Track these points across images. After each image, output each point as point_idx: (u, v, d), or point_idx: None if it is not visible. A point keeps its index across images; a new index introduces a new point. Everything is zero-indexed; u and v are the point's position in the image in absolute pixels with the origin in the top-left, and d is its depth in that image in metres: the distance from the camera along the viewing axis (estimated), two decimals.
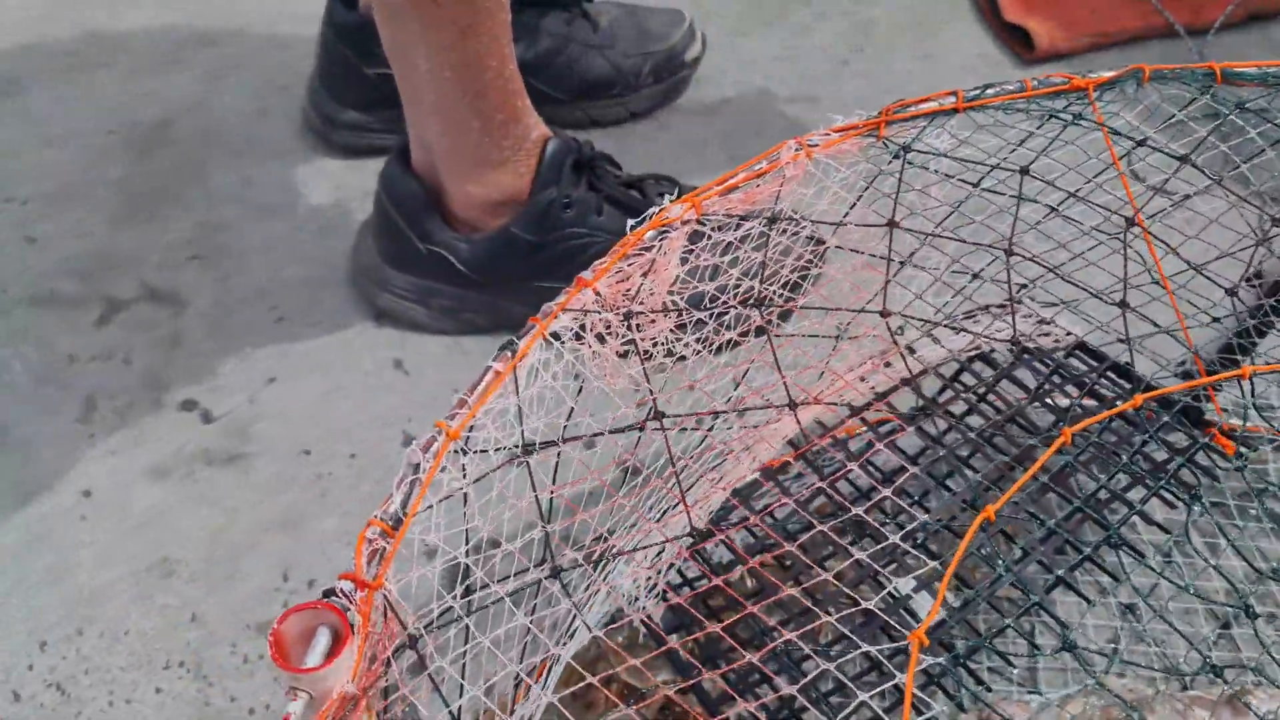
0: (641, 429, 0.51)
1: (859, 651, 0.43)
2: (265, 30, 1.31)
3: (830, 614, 0.48)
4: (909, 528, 0.59)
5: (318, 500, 0.86)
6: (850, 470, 0.62)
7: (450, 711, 0.42)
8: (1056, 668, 0.75)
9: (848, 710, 0.41)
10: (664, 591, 0.64)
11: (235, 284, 1.02)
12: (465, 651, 0.46)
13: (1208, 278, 0.55)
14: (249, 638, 0.77)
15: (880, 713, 0.39)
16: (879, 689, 0.40)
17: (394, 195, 0.91)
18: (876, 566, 0.54)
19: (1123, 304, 0.55)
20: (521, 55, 1.09)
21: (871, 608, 0.46)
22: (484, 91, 0.82)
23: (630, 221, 0.55)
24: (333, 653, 0.40)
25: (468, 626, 0.47)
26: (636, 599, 0.66)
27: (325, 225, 1.07)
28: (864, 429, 0.69)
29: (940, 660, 0.55)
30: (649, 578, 0.66)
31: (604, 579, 0.61)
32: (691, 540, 0.58)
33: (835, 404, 0.62)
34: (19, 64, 1.27)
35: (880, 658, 0.44)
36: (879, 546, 0.57)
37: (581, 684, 0.52)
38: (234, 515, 0.85)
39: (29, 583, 0.80)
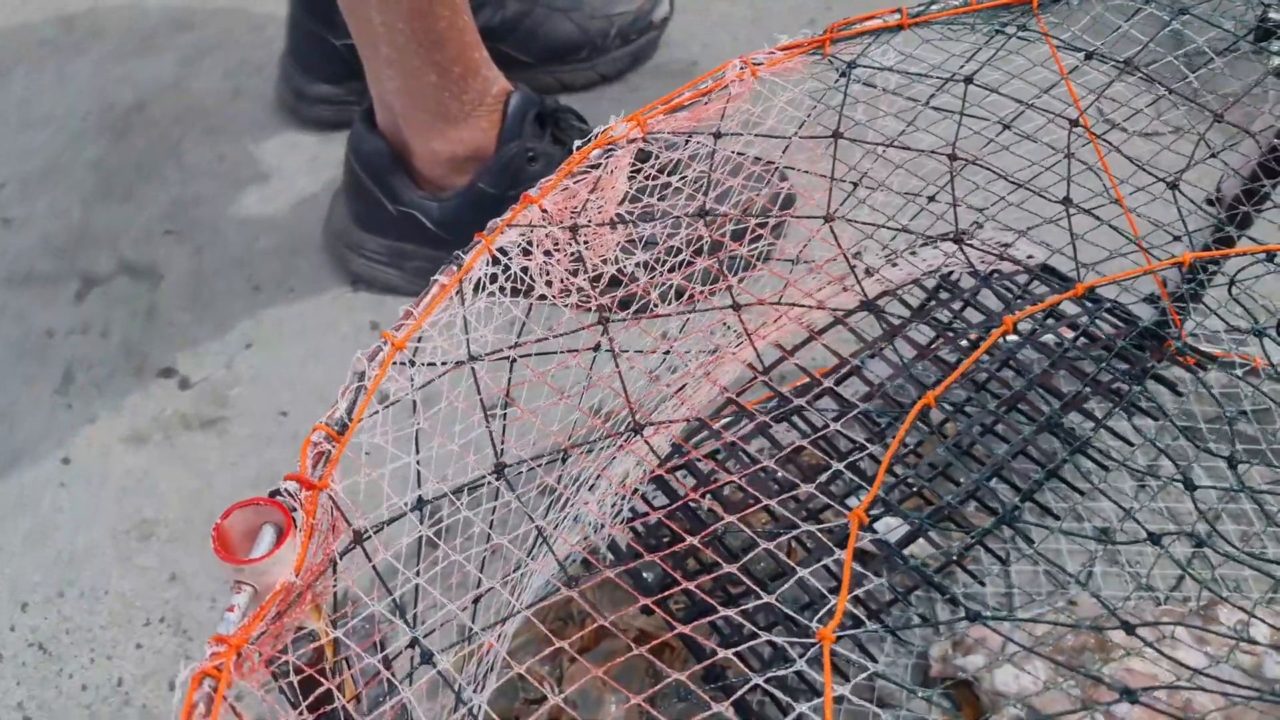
0: (596, 348, 0.51)
1: (794, 533, 0.43)
2: (240, 13, 1.31)
3: (770, 513, 0.48)
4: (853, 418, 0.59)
5: (294, 458, 0.86)
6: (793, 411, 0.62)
7: (405, 620, 0.43)
8: (1033, 588, 0.75)
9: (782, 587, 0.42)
10: (629, 517, 0.65)
11: (210, 256, 1.02)
12: (418, 559, 0.46)
13: (1159, 178, 0.55)
14: (227, 593, 0.78)
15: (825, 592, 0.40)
16: (818, 564, 0.40)
17: (361, 155, 0.91)
18: (819, 494, 0.55)
19: (1065, 200, 0.55)
20: (488, 20, 1.09)
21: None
22: (439, 42, 0.83)
23: (576, 141, 0.55)
24: (276, 547, 0.41)
25: (421, 536, 0.48)
26: (601, 526, 0.66)
27: (299, 197, 1.08)
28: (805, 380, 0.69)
29: (876, 539, 0.55)
30: (614, 503, 0.66)
31: (568, 507, 0.61)
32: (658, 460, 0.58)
33: (782, 305, 0.62)
34: None
35: (821, 538, 0.45)
36: (824, 475, 0.57)
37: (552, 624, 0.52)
38: (211, 477, 0.85)
39: (10, 548, 0.81)
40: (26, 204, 1.09)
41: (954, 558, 0.66)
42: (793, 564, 0.43)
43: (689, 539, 0.48)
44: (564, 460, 0.55)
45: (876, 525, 0.66)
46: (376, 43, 0.83)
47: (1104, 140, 0.55)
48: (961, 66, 0.63)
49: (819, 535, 0.43)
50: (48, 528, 0.82)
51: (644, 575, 0.68)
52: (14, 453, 0.87)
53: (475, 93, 0.87)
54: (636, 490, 0.65)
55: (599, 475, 0.66)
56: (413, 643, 0.41)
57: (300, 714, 0.42)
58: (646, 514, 0.68)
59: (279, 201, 1.08)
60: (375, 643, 0.44)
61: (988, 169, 0.58)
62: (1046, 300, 0.52)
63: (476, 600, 0.53)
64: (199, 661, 0.38)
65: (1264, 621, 0.66)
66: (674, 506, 0.59)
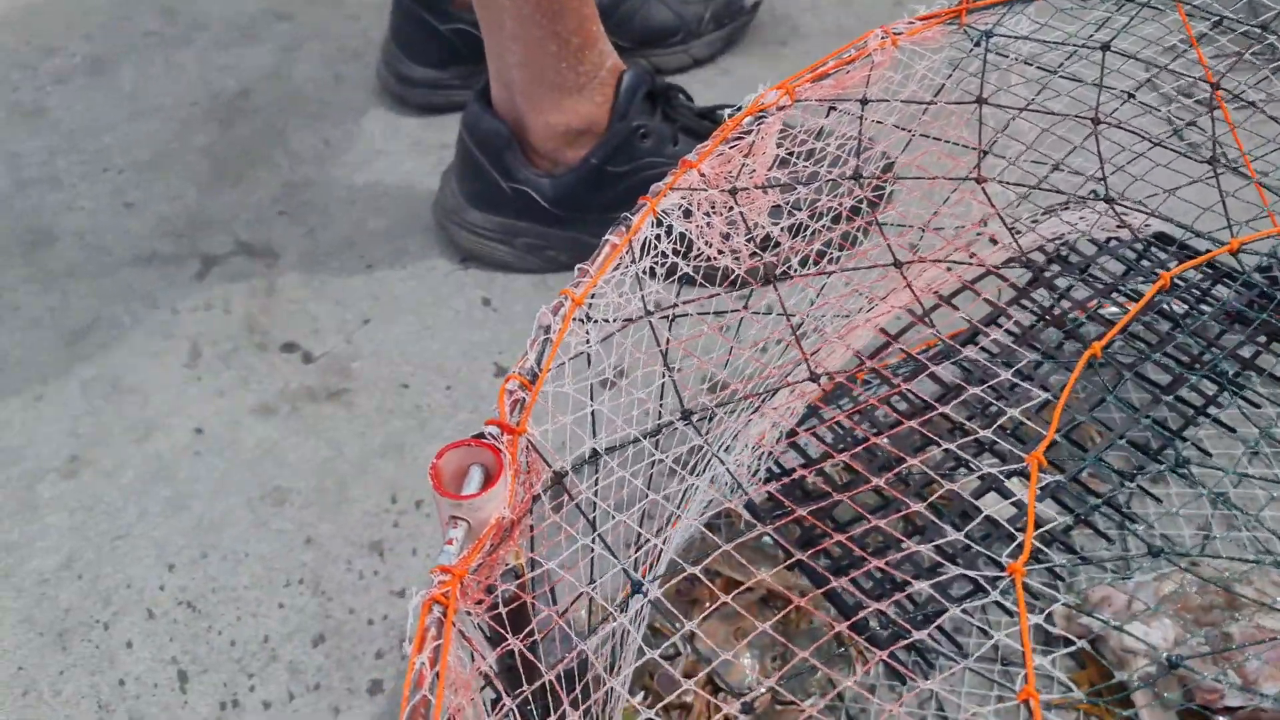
0: (754, 288, 0.53)
1: (976, 474, 0.45)
2: (334, 3, 1.35)
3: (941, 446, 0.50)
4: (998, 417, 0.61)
5: (418, 429, 0.89)
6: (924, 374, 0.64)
7: (599, 536, 0.45)
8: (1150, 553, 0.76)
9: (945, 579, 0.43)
10: (767, 474, 0.67)
11: (323, 237, 1.06)
12: (596, 491, 0.48)
13: None
14: (362, 555, 0.81)
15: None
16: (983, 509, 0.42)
17: (477, 134, 0.94)
18: (966, 456, 0.56)
19: (1212, 160, 0.56)
20: None
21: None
22: (561, 12, 0.85)
23: (727, 109, 0.58)
24: (486, 486, 0.43)
25: (599, 472, 0.50)
26: (738, 487, 0.68)
27: (405, 179, 1.11)
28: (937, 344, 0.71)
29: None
30: (750, 465, 0.68)
31: (720, 449, 0.64)
32: (817, 389, 0.60)
33: (944, 262, 0.63)
34: (104, 44, 1.32)
35: (999, 477, 0.46)
36: (967, 438, 0.59)
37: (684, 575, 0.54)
38: (339, 446, 0.88)
39: (152, 514, 0.84)
40: (143, 189, 1.13)
41: (1080, 518, 0.67)
42: (970, 503, 0.45)
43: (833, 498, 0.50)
44: (727, 412, 0.57)
45: (1011, 484, 0.68)
46: (502, 18, 0.86)
47: (1242, 101, 0.57)
48: (1094, 34, 0.64)
49: (996, 475, 0.45)
50: (186, 495, 0.86)
51: (780, 534, 0.71)
52: (149, 424, 0.91)
53: (591, 65, 0.90)
54: (771, 452, 0.68)
55: (734, 439, 0.69)
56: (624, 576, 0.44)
57: (506, 645, 0.44)
58: (786, 472, 0.70)
59: (385, 183, 1.11)
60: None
61: (1130, 130, 0.59)
62: (1203, 256, 0.54)
63: (642, 548, 0.56)
64: (426, 589, 0.41)
65: None
66: (819, 462, 0.61)
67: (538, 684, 0.44)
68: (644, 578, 0.62)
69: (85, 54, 1.31)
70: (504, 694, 0.44)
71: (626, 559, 0.55)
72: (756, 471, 0.68)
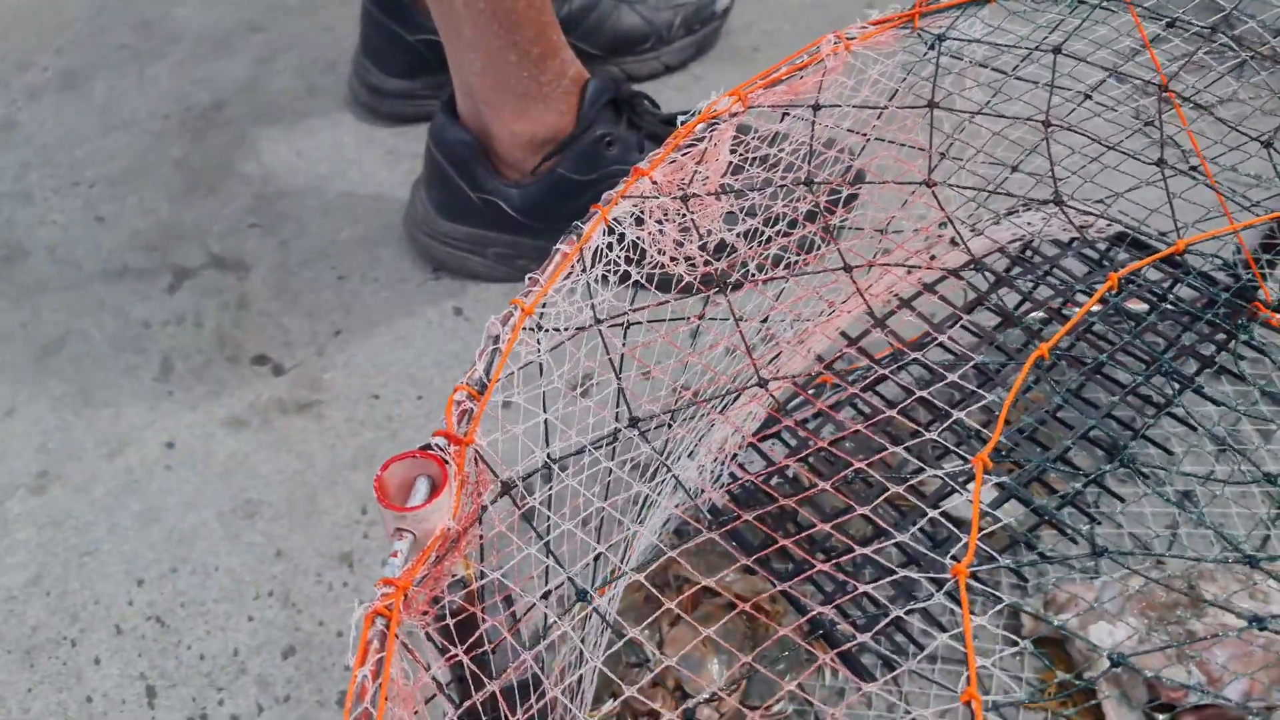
0: (708, 294, 0.53)
1: (919, 476, 0.45)
2: (310, 14, 1.35)
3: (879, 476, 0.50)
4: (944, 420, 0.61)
5: (389, 439, 0.89)
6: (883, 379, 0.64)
7: (547, 546, 0.45)
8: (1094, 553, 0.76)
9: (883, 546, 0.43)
10: (729, 479, 0.67)
11: (295, 247, 1.06)
12: (549, 501, 0.48)
13: (1243, 133, 0.56)
14: (332, 567, 0.81)
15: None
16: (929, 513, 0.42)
17: (443, 145, 0.94)
18: (921, 462, 0.57)
19: (1160, 161, 0.57)
20: (555, 12, 1.12)
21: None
22: (518, 22, 0.85)
23: (680, 116, 0.58)
24: (432, 498, 0.43)
25: (552, 481, 0.50)
26: (701, 492, 0.68)
27: (377, 189, 1.11)
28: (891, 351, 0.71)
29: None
30: (712, 469, 0.68)
31: (673, 469, 0.64)
32: (777, 394, 0.61)
33: (897, 265, 0.63)
34: (77, 57, 1.32)
35: (948, 479, 0.46)
36: (918, 440, 0.59)
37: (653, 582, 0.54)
38: (310, 459, 0.88)
39: (122, 528, 0.84)
40: (116, 202, 1.12)
41: (1067, 503, 0.67)
42: (887, 526, 0.45)
43: (781, 501, 0.50)
44: (685, 418, 0.57)
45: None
46: (459, 26, 0.86)
47: (1192, 103, 0.57)
48: (1046, 37, 0.64)
49: (946, 479, 0.45)
50: (157, 508, 0.86)
51: (743, 539, 0.71)
52: (120, 439, 0.91)
53: (553, 73, 0.90)
54: (734, 457, 0.68)
55: (697, 443, 0.69)
56: (567, 582, 0.44)
57: (452, 656, 0.44)
58: (744, 479, 0.70)
59: (358, 194, 1.11)
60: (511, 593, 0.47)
61: (1080, 134, 0.59)
62: (1148, 257, 0.54)
63: (597, 558, 0.56)
64: (370, 602, 0.41)
65: None
66: (780, 466, 0.62)
67: (484, 694, 0.44)
68: (608, 584, 0.62)
69: (57, 68, 1.31)
70: (451, 706, 0.44)
71: (582, 567, 0.55)
72: (719, 478, 0.68)
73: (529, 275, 0.51)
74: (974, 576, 0.41)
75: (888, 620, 0.43)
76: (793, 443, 0.73)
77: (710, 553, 0.75)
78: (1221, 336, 0.70)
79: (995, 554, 0.41)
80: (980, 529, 0.42)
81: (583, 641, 0.58)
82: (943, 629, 0.64)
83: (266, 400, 0.93)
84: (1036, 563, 0.65)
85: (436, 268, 1.01)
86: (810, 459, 0.69)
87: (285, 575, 0.81)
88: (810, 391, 0.72)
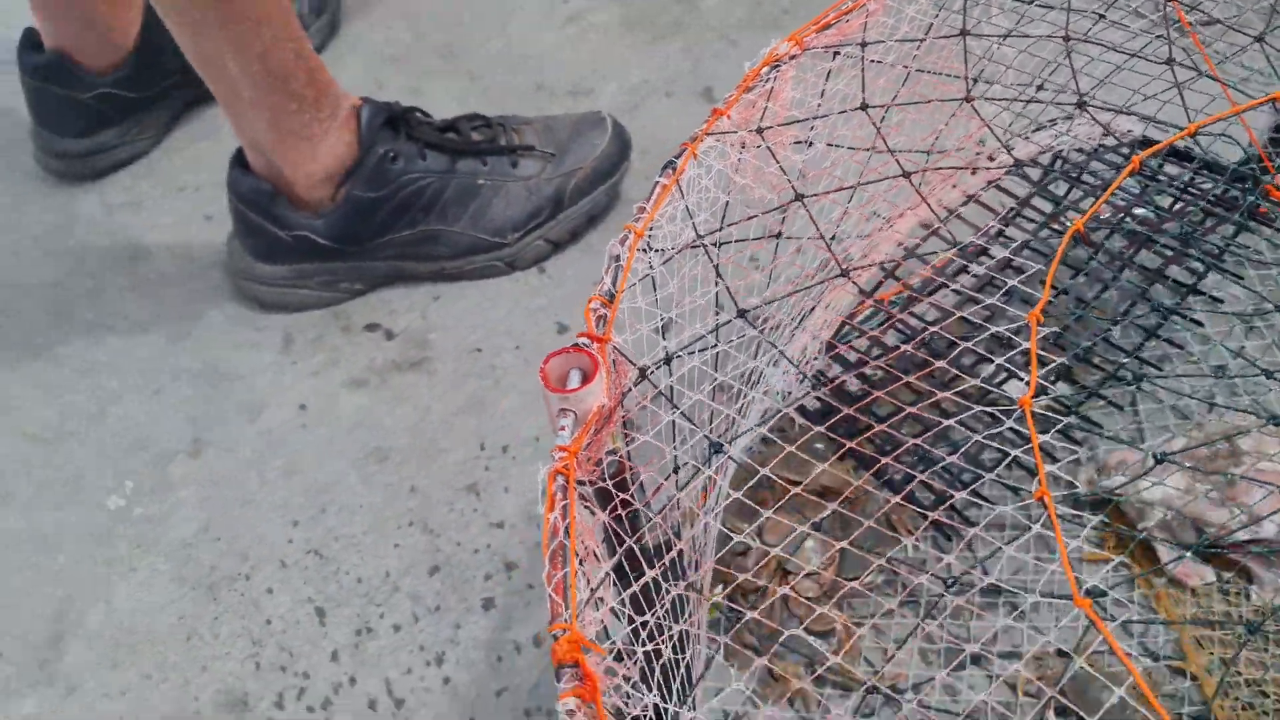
0: (786, 206, 0.63)
1: (981, 337, 0.55)
2: None
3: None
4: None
5: (494, 386, 1.00)
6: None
7: (680, 413, 0.55)
8: (1160, 424, 0.85)
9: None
10: (813, 382, 0.77)
11: None
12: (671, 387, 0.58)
13: (1239, 31, 0.65)
14: (461, 497, 0.92)
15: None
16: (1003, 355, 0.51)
17: (245, 197, 1.03)
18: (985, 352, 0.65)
19: (1169, 60, 0.65)
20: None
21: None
22: (291, 72, 0.94)
23: (746, 64, 0.67)
24: (584, 384, 0.53)
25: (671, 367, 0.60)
26: (789, 393, 0.78)
27: None
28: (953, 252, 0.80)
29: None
30: (798, 372, 0.78)
31: (769, 363, 0.73)
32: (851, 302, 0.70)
33: (948, 168, 0.72)
34: None
35: (1007, 333, 0.55)
36: (983, 334, 0.68)
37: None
38: (427, 408, 0.99)
39: (271, 481, 0.95)
40: (218, 203, 1.23)
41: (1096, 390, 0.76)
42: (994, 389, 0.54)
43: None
44: (775, 323, 0.67)
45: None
46: (239, 90, 0.94)
47: (1193, 7, 0.65)
48: None
49: (1005, 365, 0.54)
50: (298, 462, 0.97)
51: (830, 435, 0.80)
52: (257, 404, 1.02)
53: (329, 109, 0.99)
54: (814, 361, 0.77)
55: (782, 350, 0.78)
56: (708, 442, 0.54)
57: (613, 508, 0.54)
58: (830, 380, 0.80)
59: None
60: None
61: (1098, 44, 0.68)
62: (1166, 140, 0.63)
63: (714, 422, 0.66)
64: (550, 464, 0.51)
65: None
66: (858, 366, 0.71)
67: (636, 538, 0.54)
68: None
69: None
70: (615, 548, 0.54)
71: (709, 429, 0.65)
72: (803, 381, 0.78)
73: (636, 205, 0.61)
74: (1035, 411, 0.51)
75: (957, 454, 0.53)
76: (863, 347, 0.82)
77: (802, 452, 0.85)
78: (1239, 220, 0.78)
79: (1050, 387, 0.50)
80: (1040, 371, 0.51)
81: (706, 526, 0.68)
82: (1015, 491, 0.73)
83: (381, 362, 1.03)
84: (1092, 394, 0.73)
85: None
86: (881, 362, 0.78)
87: (420, 507, 0.91)
88: (880, 300, 0.81)
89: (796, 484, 0.84)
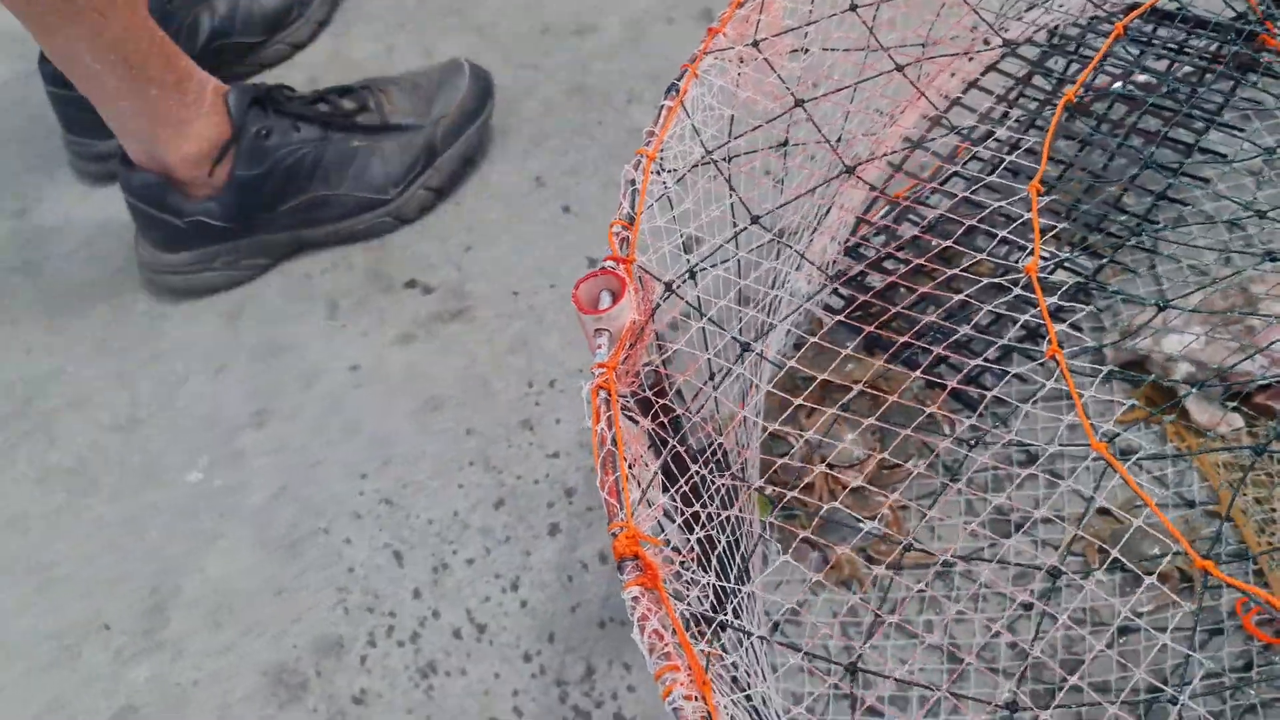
0: (789, 112, 0.66)
1: (983, 213, 0.57)
2: None
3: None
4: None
5: (536, 325, 1.04)
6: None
7: (709, 319, 0.59)
8: (1180, 283, 0.87)
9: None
10: (838, 279, 0.80)
11: None
12: (698, 298, 0.62)
13: None
14: (516, 433, 0.96)
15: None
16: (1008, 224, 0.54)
17: (137, 192, 1.07)
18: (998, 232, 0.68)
19: None
20: (208, 28, 1.29)
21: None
22: (146, 57, 0.98)
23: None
24: (614, 303, 0.57)
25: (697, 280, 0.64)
26: (814, 295, 0.81)
27: None
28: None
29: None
30: (820, 271, 0.81)
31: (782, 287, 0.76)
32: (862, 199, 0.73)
33: (942, 57, 0.74)
34: None
35: (1009, 209, 0.58)
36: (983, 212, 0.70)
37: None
38: (474, 354, 1.03)
39: (334, 441, 1.01)
40: None
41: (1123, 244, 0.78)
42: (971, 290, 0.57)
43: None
44: (798, 231, 0.70)
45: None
46: (102, 81, 0.98)
47: None
48: None
49: (1010, 237, 0.57)
50: (358, 420, 1.02)
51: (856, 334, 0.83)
52: (312, 371, 1.07)
53: (194, 93, 1.03)
54: (834, 263, 0.80)
55: (800, 252, 0.81)
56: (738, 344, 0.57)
57: (655, 418, 0.58)
58: (850, 276, 0.83)
59: None
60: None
61: None
62: (1144, 5, 0.64)
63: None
64: (593, 380, 0.55)
65: None
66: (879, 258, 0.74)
67: (679, 437, 0.58)
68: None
69: None
70: (661, 446, 0.58)
71: (737, 330, 0.68)
72: (825, 280, 0.81)
73: (645, 130, 0.64)
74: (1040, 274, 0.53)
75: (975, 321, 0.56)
76: (879, 241, 0.85)
77: (826, 353, 0.88)
78: (1228, 72, 0.80)
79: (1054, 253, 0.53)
80: (1041, 234, 0.54)
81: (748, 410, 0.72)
82: (1032, 358, 0.76)
83: (425, 315, 1.08)
84: (1107, 261, 0.75)
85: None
86: (896, 251, 0.81)
87: (479, 446, 0.96)
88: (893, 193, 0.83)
89: (831, 383, 0.87)
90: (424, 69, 1.20)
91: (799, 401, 0.69)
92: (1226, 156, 0.81)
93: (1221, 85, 0.81)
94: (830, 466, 0.83)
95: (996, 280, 0.55)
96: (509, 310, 1.05)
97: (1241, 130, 0.80)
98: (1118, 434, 0.68)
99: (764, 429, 0.82)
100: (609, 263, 0.59)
